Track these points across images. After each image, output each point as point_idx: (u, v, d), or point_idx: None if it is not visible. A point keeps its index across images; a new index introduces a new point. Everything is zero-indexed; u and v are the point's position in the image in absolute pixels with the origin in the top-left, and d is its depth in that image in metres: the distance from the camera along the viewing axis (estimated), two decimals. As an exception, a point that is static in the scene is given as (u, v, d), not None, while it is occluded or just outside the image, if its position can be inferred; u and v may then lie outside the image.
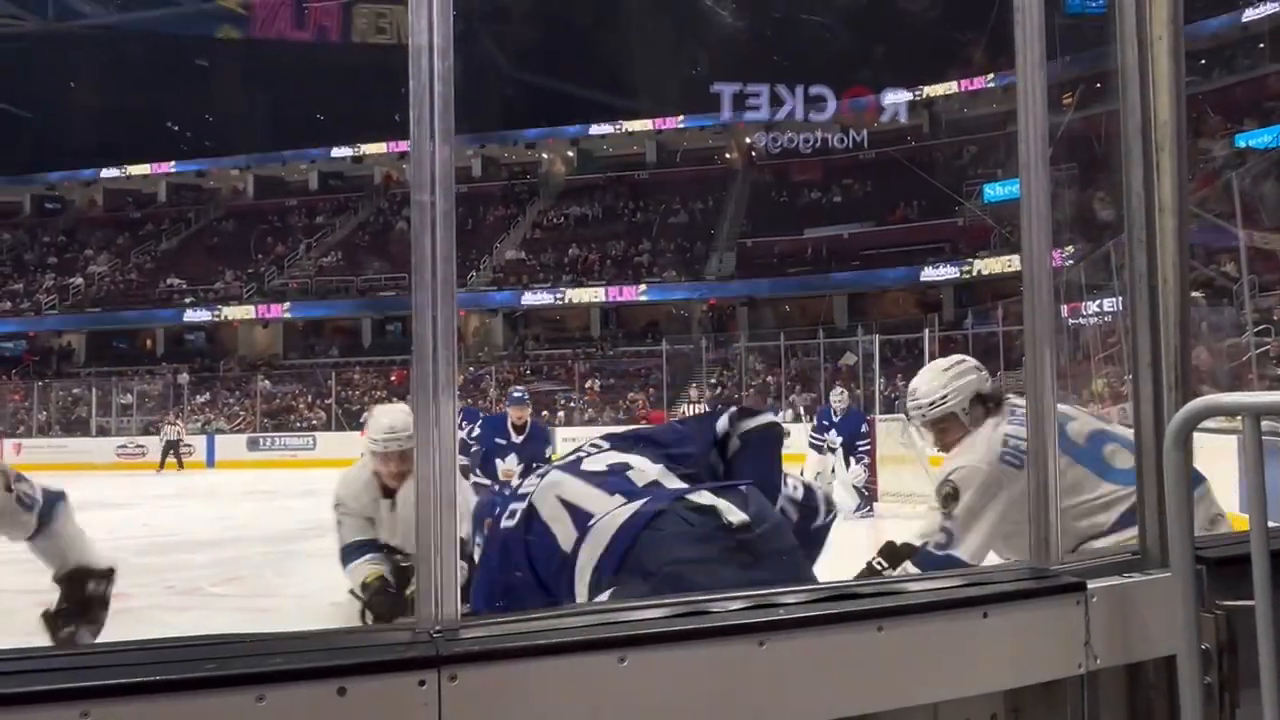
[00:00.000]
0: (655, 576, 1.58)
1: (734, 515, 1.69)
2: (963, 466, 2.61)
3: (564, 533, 1.77)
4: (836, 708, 1.34)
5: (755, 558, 1.67)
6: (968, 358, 2.92)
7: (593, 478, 1.87)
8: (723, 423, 2.03)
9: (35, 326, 34.01)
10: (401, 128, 1.27)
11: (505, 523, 1.88)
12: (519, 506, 1.87)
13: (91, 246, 37.42)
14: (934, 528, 2.62)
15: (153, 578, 6.41)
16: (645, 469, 1.88)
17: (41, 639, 2.61)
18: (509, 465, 6.83)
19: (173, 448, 23.57)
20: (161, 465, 23.19)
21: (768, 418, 2.08)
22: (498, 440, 6.85)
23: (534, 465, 6.08)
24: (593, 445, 2.03)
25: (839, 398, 11.02)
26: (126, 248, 37.14)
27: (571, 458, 1.99)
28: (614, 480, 1.85)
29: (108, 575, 2.85)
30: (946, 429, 2.78)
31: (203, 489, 16.62)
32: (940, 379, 2.79)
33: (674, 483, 1.86)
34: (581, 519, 1.77)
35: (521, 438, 6.90)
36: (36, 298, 34.43)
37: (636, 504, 1.74)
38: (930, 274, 27.74)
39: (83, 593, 2.79)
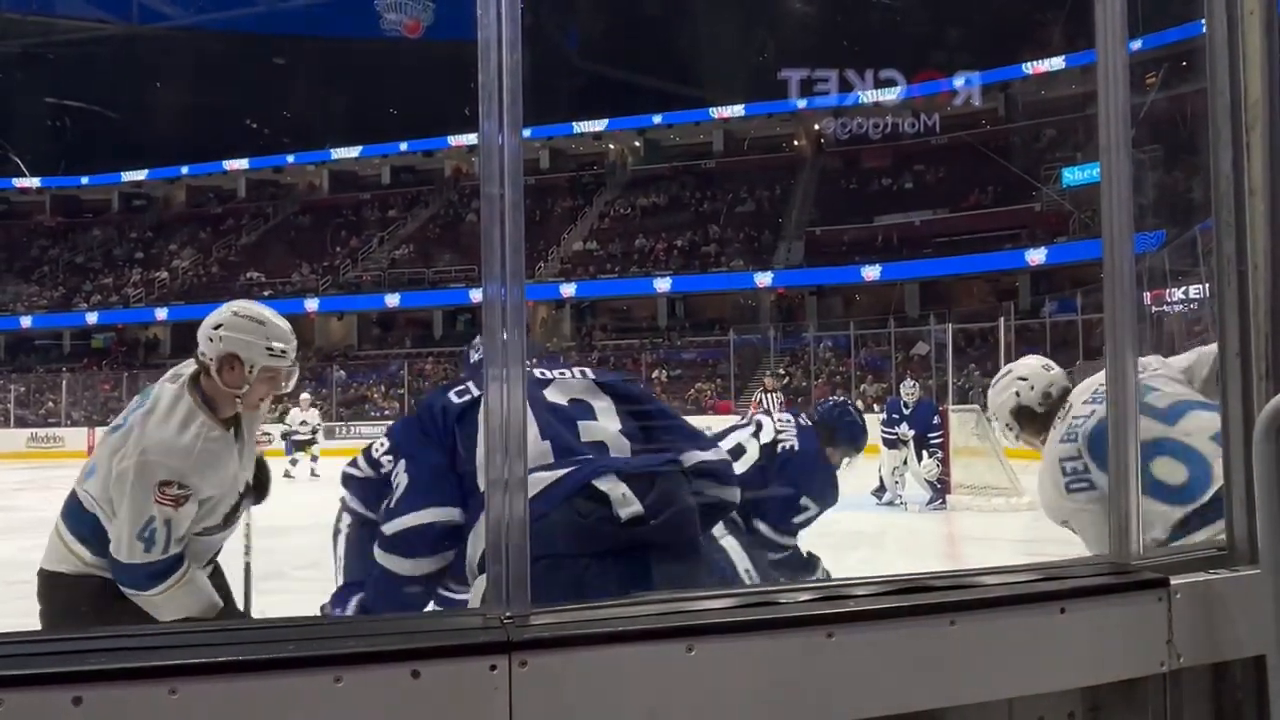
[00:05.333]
0: (536, 564, 1.48)
1: (625, 508, 1.68)
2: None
3: None
4: (906, 701, 1.33)
5: (645, 549, 1.69)
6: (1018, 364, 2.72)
7: (545, 409, 1.83)
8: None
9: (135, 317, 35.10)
10: (471, 121, 1.28)
11: (453, 397, 1.88)
12: (473, 392, 1.86)
13: (175, 241, 38.77)
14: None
15: (238, 561, 6.62)
16: (601, 425, 1.85)
17: None
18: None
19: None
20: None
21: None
22: None
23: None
24: (580, 370, 1.95)
25: (909, 389, 10.86)
26: (208, 242, 38.39)
27: (546, 374, 1.93)
28: (559, 428, 1.81)
29: None
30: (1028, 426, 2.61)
31: (281, 475, 17.01)
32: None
33: (620, 443, 1.82)
34: None
35: None
36: (125, 291, 35.81)
37: (550, 477, 1.70)
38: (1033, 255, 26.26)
39: None
